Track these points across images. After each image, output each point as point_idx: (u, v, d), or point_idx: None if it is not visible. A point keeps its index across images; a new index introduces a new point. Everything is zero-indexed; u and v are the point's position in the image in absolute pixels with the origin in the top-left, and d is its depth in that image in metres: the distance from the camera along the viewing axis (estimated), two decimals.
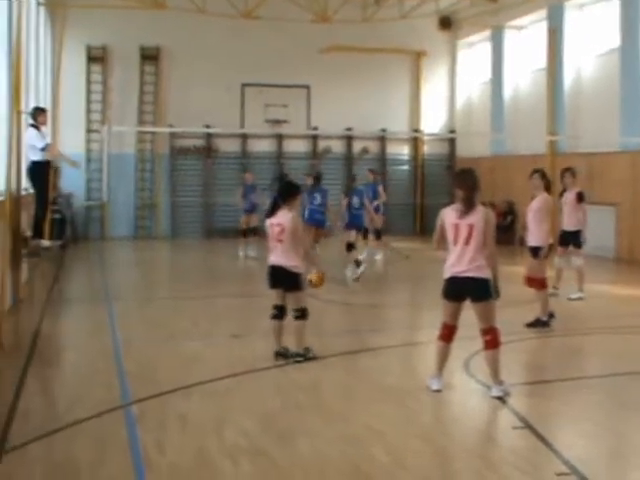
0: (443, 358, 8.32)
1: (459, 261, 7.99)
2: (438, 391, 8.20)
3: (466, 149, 29.12)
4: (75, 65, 26.01)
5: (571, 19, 23.78)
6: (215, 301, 14.48)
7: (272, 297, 9.85)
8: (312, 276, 9.90)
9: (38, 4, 21.90)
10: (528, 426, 7.18)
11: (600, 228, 20.44)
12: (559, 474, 6.06)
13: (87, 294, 15.70)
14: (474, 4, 27.40)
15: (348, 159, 28.85)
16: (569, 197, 14.41)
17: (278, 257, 9.56)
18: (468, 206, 7.95)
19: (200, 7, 25.48)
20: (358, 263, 16.80)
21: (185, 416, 7.49)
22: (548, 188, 11.84)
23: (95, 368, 9.46)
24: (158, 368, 9.37)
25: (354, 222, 16.99)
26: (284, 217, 9.50)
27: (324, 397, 8.26)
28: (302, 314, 9.62)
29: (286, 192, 9.65)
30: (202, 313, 13.18)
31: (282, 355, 9.66)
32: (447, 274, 8.13)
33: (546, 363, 10.17)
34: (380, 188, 20.30)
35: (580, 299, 14.18)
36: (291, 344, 9.72)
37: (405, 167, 29.88)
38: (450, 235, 8.04)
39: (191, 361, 9.68)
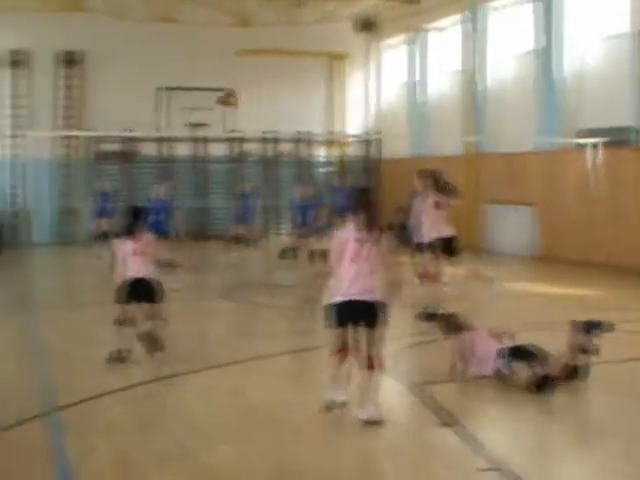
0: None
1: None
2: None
3: (388, 151, 29.05)
4: None
5: (491, 20, 24.17)
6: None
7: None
8: None
9: None
10: (452, 424, 7.27)
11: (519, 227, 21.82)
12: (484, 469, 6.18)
13: (7, 301, 15.38)
14: (393, 7, 27.57)
15: (267, 162, 28.56)
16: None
17: (139, 270, 9.83)
18: (369, 226, 7.46)
19: (118, 11, 25.28)
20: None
21: (111, 422, 7.45)
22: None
23: (16, 375, 9.36)
24: (81, 374, 9.30)
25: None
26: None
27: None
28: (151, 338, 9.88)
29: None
30: None
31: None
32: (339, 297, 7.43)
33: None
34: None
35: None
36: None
37: (328, 169, 29.76)
38: (347, 255, 7.43)
39: (114, 367, 9.60)
